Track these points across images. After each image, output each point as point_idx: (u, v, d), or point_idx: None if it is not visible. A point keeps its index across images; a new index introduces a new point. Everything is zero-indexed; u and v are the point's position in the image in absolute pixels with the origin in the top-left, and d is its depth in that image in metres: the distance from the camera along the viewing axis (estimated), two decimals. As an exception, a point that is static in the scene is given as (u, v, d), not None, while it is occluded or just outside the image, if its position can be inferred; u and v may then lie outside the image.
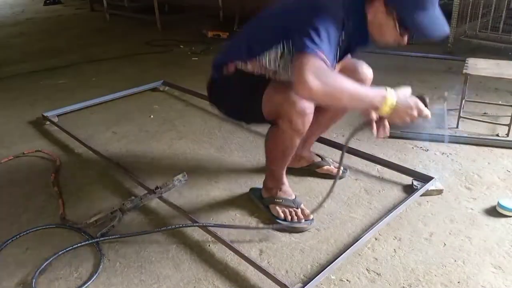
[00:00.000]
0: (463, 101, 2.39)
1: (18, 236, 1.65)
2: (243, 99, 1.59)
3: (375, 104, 1.33)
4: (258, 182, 1.97)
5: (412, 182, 1.85)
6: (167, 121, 2.72)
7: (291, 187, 1.78)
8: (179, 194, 1.91)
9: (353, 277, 1.39)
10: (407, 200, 1.70)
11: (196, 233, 1.63)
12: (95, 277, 1.43)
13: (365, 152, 2.08)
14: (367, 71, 1.84)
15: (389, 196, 1.82)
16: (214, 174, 2.07)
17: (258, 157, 2.20)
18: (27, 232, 1.67)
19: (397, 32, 1.42)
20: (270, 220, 1.69)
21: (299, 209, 1.67)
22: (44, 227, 1.71)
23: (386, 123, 1.45)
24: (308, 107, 1.45)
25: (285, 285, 1.29)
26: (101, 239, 1.59)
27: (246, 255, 1.43)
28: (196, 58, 4.31)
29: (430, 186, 1.79)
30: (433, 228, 1.61)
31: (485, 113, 2.58)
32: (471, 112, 2.55)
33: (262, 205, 1.76)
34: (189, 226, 1.64)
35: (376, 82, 3.34)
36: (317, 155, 2.05)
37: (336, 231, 1.62)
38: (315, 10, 1.34)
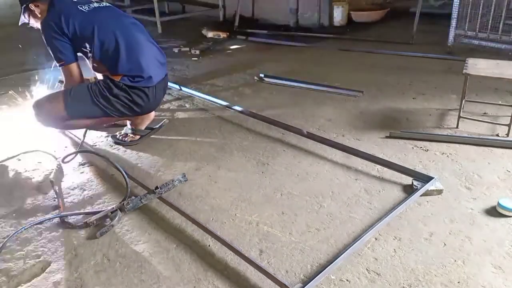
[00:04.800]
0: (463, 101, 2.39)
1: (15, 234, 1.65)
2: None
3: None
4: (258, 181, 1.97)
5: (412, 182, 1.85)
6: (167, 121, 2.71)
7: (290, 187, 1.80)
8: (179, 194, 1.91)
9: (353, 277, 1.39)
10: (407, 200, 1.70)
11: (196, 233, 1.63)
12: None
13: (365, 152, 2.08)
14: None
15: (389, 196, 1.82)
16: (214, 174, 2.07)
17: (258, 157, 2.20)
18: (25, 228, 1.68)
19: None
20: (269, 220, 1.69)
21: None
22: (40, 221, 1.71)
23: None
24: None
25: (285, 285, 1.29)
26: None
27: (246, 255, 1.43)
28: (196, 58, 4.31)
29: (430, 186, 1.79)
30: (433, 228, 1.61)
31: (485, 113, 2.58)
32: (471, 112, 2.55)
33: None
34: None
35: (376, 82, 3.37)
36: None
37: (336, 231, 1.62)
38: None
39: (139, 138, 2.45)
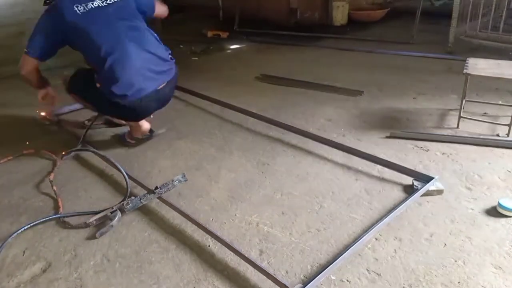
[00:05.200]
0: (463, 101, 2.39)
1: (15, 234, 1.65)
2: None
3: None
4: (258, 181, 1.97)
5: (413, 182, 1.84)
6: (167, 121, 2.71)
7: (290, 187, 1.81)
8: (179, 194, 1.90)
9: (354, 277, 1.39)
10: (408, 200, 1.70)
11: (196, 233, 1.63)
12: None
13: (365, 152, 2.08)
14: None
15: (390, 196, 1.82)
16: (214, 174, 2.06)
17: (258, 157, 2.20)
18: (25, 228, 1.68)
19: None
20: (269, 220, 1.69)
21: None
22: (41, 220, 1.72)
23: None
24: None
25: (285, 285, 1.28)
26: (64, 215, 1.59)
27: (246, 255, 1.43)
28: (196, 58, 4.31)
29: (430, 186, 1.79)
30: (433, 228, 1.60)
31: (485, 113, 2.58)
32: (471, 112, 2.54)
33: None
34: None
35: (376, 82, 3.37)
36: None
37: (336, 231, 1.62)
38: None
39: (134, 142, 2.42)
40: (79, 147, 2.32)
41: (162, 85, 2.26)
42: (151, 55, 2.24)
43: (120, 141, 2.46)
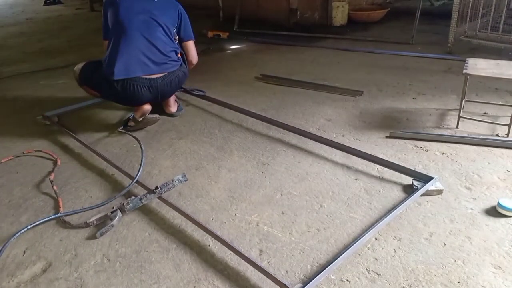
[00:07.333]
0: (463, 101, 2.39)
1: (18, 234, 1.65)
2: None
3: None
4: (258, 181, 1.97)
5: (412, 182, 1.85)
6: (167, 121, 2.72)
7: (290, 187, 1.83)
8: (179, 194, 1.91)
9: (353, 277, 1.39)
10: (407, 200, 1.70)
11: (196, 233, 1.63)
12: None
13: (364, 152, 2.08)
14: None
15: (389, 196, 1.82)
16: (214, 174, 2.07)
17: (258, 157, 2.20)
18: (27, 228, 1.68)
19: None
20: (269, 220, 1.70)
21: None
22: (41, 220, 1.71)
23: None
24: None
25: (285, 285, 1.29)
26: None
27: (246, 255, 1.43)
28: (196, 58, 4.30)
29: (430, 186, 1.79)
30: (433, 228, 1.61)
31: (485, 113, 2.58)
32: (471, 112, 2.55)
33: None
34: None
35: (376, 82, 3.37)
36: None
37: (336, 231, 1.62)
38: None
39: (134, 125, 2.56)
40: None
41: (157, 76, 2.48)
42: (151, 45, 2.44)
43: (124, 121, 2.64)
